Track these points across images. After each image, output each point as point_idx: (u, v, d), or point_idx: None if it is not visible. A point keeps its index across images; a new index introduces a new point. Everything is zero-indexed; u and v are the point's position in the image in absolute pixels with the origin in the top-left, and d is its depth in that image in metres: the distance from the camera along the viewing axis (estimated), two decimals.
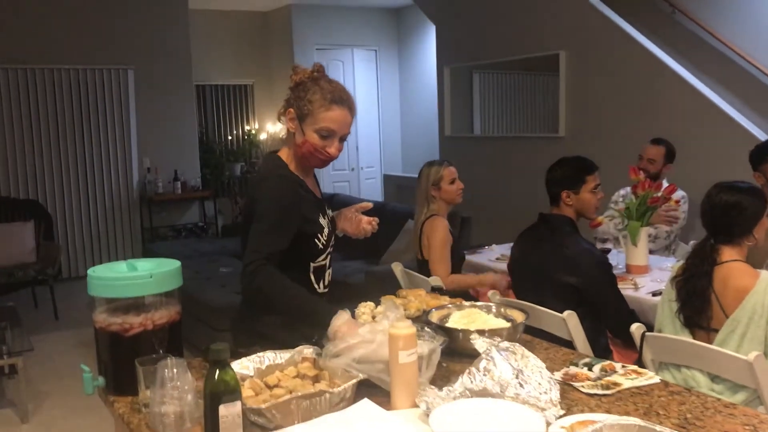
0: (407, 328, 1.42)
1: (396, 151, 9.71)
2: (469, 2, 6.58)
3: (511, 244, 4.18)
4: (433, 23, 7.33)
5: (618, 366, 1.66)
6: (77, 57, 7.44)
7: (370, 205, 2.28)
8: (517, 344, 1.51)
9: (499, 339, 1.54)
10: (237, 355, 1.71)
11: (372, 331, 1.56)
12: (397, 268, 3.61)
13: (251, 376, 1.57)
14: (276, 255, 1.85)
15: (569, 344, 2.52)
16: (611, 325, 2.76)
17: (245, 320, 2.03)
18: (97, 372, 1.63)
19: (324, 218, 2.07)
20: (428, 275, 3.33)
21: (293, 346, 1.72)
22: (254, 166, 9.36)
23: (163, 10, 7.95)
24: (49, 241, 6.58)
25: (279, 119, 2.08)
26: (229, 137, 9.60)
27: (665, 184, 3.94)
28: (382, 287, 4.89)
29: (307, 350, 1.67)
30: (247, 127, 9.66)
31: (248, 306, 2.03)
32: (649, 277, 3.24)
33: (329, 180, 9.45)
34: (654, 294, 2.95)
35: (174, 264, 1.65)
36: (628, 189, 4.33)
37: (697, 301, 2.28)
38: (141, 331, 1.57)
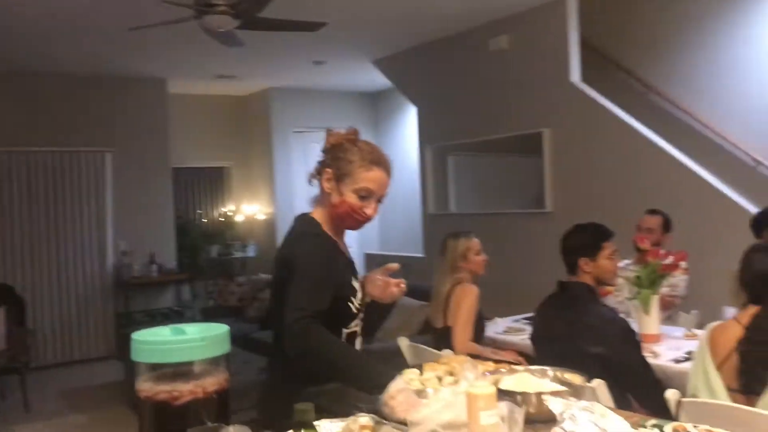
0: (487, 387, 1.34)
1: (373, 228, 9.69)
2: (450, 84, 6.75)
3: (515, 318, 4.18)
4: (414, 105, 7.48)
5: (689, 426, 1.58)
6: (54, 140, 7.37)
7: (398, 266, 2.20)
8: (596, 403, 1.43)
9: (575, 399, 1.46)
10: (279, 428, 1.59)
11: (454, 393, 1.48)
12: (404, 342, 3.50)
13: None
14: (320, 314, 1.77)
15: None
16: (639, 394, 2.68)
17: (283, 391, 1.91)
18: None
19: (356, 281, 2.02)
20: (449, 344, 3.24)
21: (342, 416, 1.61)
22: (230, 248, 9.25)
23: (143, 94, 8.00)
24: (21, 327, 6.30)
25: (310, 182, 2.05)
26: (205, 219, 9.51)
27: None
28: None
29: (363, 418, 1.57)
30: (223, 209, 9.58)
31: (285, 376, 1.92)
32: (664, 345, 3.20)
33: None
34: (677, 361, 2.90)
35: (223, 328, 1.55)
36: (627, 261, 4.35)
37: (760, 370, 2.22)
38: (190, 400, 1.46)
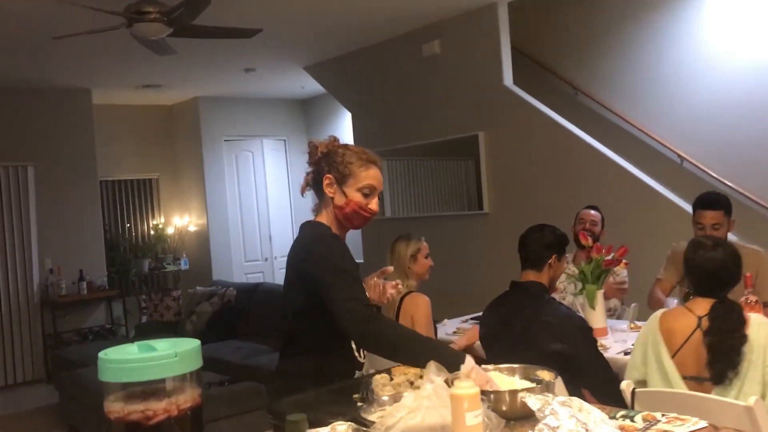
0: (471, 388, 1.35)
1: None
2: (384, 90, 6.77)
3: (463, 318, 4.22)
4: (348, 111, 7.47)
5: (658, 415, 1.63)
6: None
7: (392, 269, 2.41)
8: (574, 398, 1.46)
9: (552, 395, 1.49)
10: None
11: (417, 398, 1.47)
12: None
13: None
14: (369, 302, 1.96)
15: None
16: (596, 388, 2.72)
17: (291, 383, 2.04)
18: None
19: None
20: None
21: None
22: (163, 262, 8.99)
23: (67, 105, 7.70)
24: None
25: (302, 193, 2.16)
26: (134, 233, 9.21)
27: None
28: None
29: (341, 427, 1.55)
30: (153, 222, 9.31)
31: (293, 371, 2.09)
32: (611, 338, 3.29)
33: (242, 271, 9.19)
34: (626, 353, 2.98)
35: (194, 342, 1.50)
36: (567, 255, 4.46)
37: (734, 356, 2.29)
38: (165, 419, 1.41)
